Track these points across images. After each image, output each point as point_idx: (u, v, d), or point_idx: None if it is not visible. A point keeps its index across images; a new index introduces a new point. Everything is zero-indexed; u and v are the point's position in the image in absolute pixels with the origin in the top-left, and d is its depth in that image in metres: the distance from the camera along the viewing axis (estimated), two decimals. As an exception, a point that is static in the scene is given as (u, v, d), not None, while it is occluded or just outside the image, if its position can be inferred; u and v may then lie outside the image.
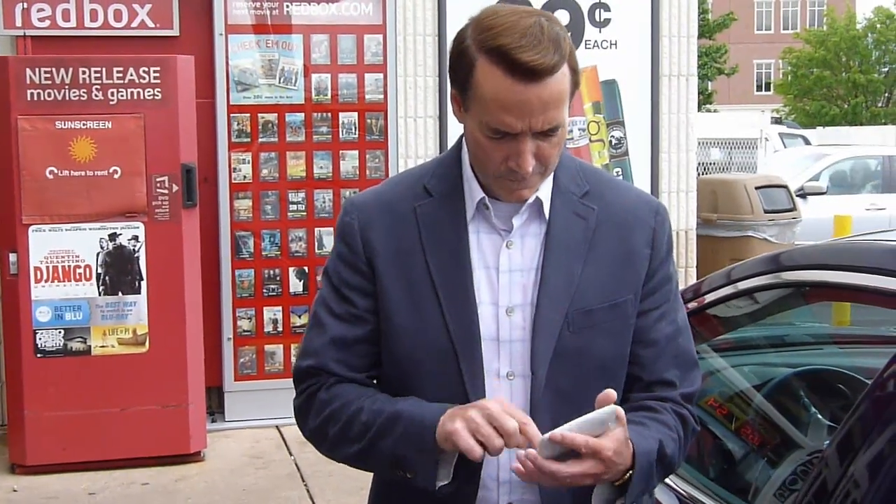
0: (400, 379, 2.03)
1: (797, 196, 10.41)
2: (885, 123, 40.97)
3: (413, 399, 1.96)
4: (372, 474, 2.16)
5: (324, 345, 2.05)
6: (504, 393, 1.97)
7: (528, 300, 1.99)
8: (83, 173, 5.77)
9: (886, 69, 48.42)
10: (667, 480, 2.79)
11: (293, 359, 6.67)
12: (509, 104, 1.83)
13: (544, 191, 2.02)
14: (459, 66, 1.91)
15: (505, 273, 2.00)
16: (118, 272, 5.84)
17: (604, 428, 1.83)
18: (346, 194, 6.77)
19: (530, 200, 2.00)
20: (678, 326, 2.10)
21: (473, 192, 2.02)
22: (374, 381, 2.10)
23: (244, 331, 6.79)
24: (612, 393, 1.83)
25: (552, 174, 2.02)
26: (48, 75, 5.76)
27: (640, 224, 2.06)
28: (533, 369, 1.96)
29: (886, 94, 48.14)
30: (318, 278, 6.66)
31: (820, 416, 3.03)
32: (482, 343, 1.97)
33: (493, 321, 1.99)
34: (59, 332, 5.81)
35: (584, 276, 2.00)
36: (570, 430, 1.79)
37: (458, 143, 2.09)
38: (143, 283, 5.87)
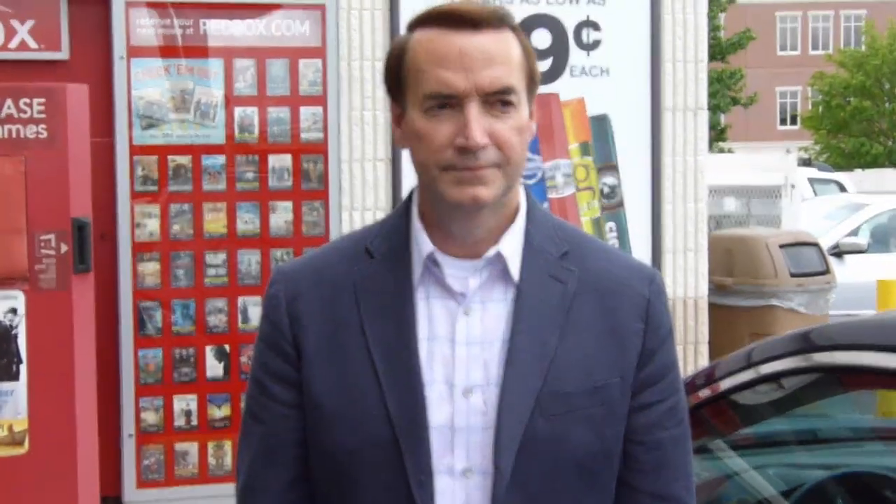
0: (333, 479, 2.06)
1: (831, 255, 10.52)
2: (936, 165, 41.53)
3: None
4: None
5: (252, 461, 2.12)
6: (459, 493, 1.99)
7: (491, 379, 2.01)
8: (-51, 230, 5.75)
9: (937, 99, 49.15)
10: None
11: (210, 459, 6.66)
12: (447, 57, 1.95)
13: (510, 248, 2.06)
14: (393, 64, 2.06)
15: (462, 346, 2.03)
16: (-9, 353, 5.81)
17: None
18: (278, 256, 6.77)
19: (490, 254, 2.04)
20: (686, 428, 2.12)
21: (422, 247, 2.06)
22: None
23: (149, 425, 6.73)
24: None
25: (525, 230, 2.07)
26: None
27: (630, 293, 2.10)
28: (496, 462, 1.97)
29: (937, 130, 48.81)
30: (242, 359, 6.67)
31: (863, 530, 3.06)
32: (431, 432, 1.99)
33: (448, 404, 2.01)
34: (-83, 430, 5.76)
35: (560, 352, 2.02)
36: None
37: (409, 197, 2.14)
38: (23, 368, 5.82)
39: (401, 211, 2.13)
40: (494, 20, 1.98)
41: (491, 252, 2.04)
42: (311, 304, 2.08)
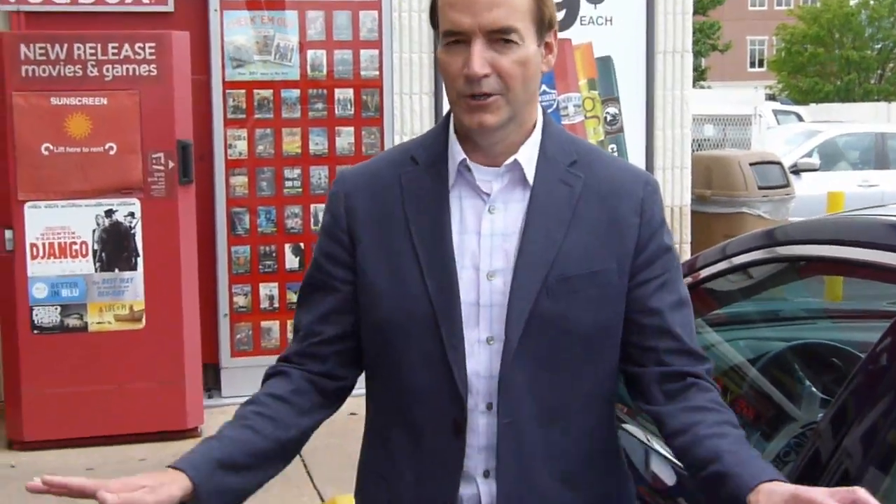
0: (381, 345, 2.05)
1: (791, 172, 10.40)
2: (877, 100, 40.96)
3: None
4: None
5: (306, 321, 2.13)
6: (483, 357, 1.99)
7: (510, 265, 1.99)
8: (79, 150, 5.77)
9: (879, 46, 48.34)
10: (664, 453, 2.81)
11: (289, 335, 6.71)
12: (458, 1, 1.92)
13: (527, 156, 2.03)
14: (432, 6, 2.01)
15: (487, 237, 2.01)
16: (114, 249, 5.85)
17: None
18: (342, 171, 6.77)
19: (508, 162, 2.01)
20: (681, 297, 2.10)
21: (456, 155, 2.03)
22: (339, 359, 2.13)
23: (240, 307, 6.79)
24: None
25: (539, 143, 2.04)
26: (43, 51, 5.74)
27: (627, 194, 2.06)
28: (506, 333, 1.97)
29: (879, 71, 48.06)
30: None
31: (814, 390, 3.05)
32: (462, 307, 1.98)
33: (474, 285, 1.99)
34: (56, 309, 5.82)
35: (565, 243, 2.00)
36: None
37: (447, 114, 2.11)
38: (140, 260, 5.87)
39: (440, 126, 2.11)
40: None
41: (509, 160, 2.02)
42: (364, 200, 2.07)
